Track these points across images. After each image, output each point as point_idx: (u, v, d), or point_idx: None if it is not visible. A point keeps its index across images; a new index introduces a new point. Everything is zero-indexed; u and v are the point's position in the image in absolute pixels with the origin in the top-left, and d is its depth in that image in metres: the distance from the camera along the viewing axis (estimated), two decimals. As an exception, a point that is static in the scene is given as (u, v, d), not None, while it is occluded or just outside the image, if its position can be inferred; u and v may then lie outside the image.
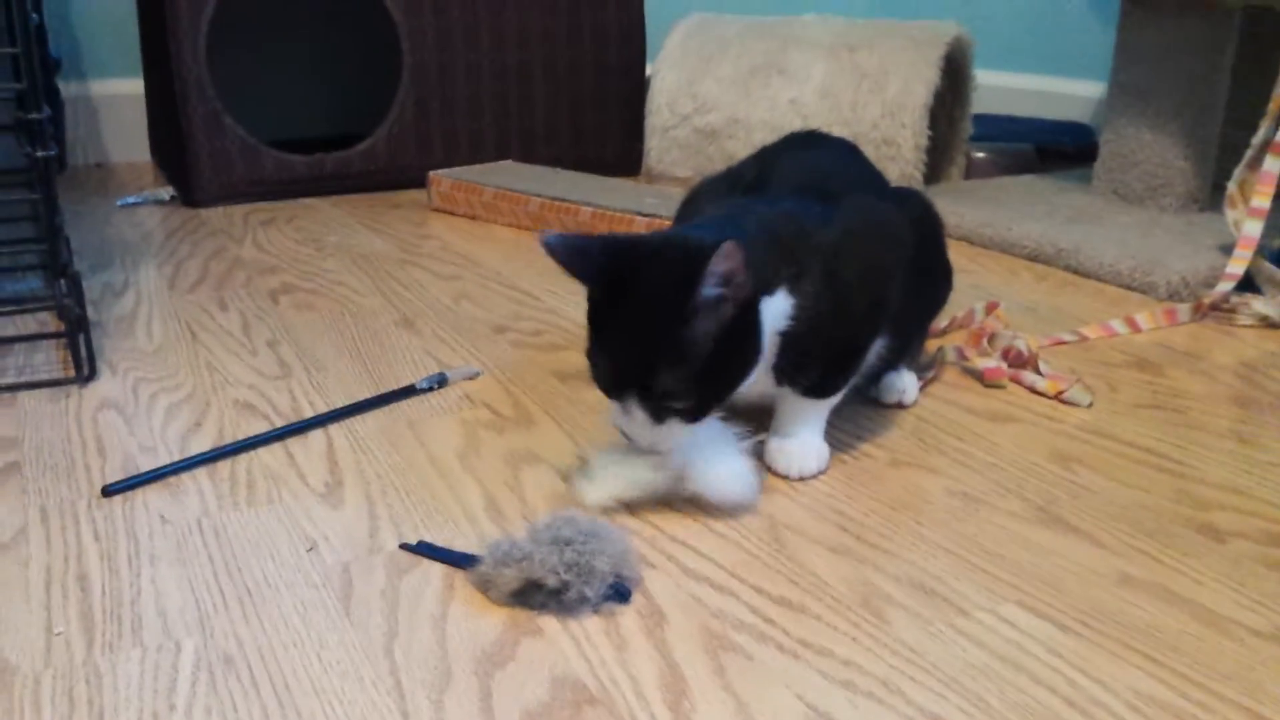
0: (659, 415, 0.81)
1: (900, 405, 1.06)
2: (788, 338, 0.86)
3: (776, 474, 0.92)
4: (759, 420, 0.91)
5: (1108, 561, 0.80)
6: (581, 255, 0.82)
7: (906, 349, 1.07)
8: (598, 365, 0.83)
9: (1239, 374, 1.17)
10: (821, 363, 0.89)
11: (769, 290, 0.83)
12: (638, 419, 0.82)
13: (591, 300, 0.83)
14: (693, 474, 0.84)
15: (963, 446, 0.98)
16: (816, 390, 0.92)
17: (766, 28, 1.97)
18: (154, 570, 0.77)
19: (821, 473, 0.93)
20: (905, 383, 1.06)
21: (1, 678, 0.65)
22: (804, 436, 0.93)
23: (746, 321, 0.81)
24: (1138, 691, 0.65)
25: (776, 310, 0.84)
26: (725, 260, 0.76)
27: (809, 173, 0.98)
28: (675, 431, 0.82)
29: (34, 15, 1.01)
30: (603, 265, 0.81)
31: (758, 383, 0.88)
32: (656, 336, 0.79)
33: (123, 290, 1.40)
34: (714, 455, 0.84)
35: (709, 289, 0.77)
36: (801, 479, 0.92)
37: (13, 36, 1.02)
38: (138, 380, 1.10)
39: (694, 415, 0.81)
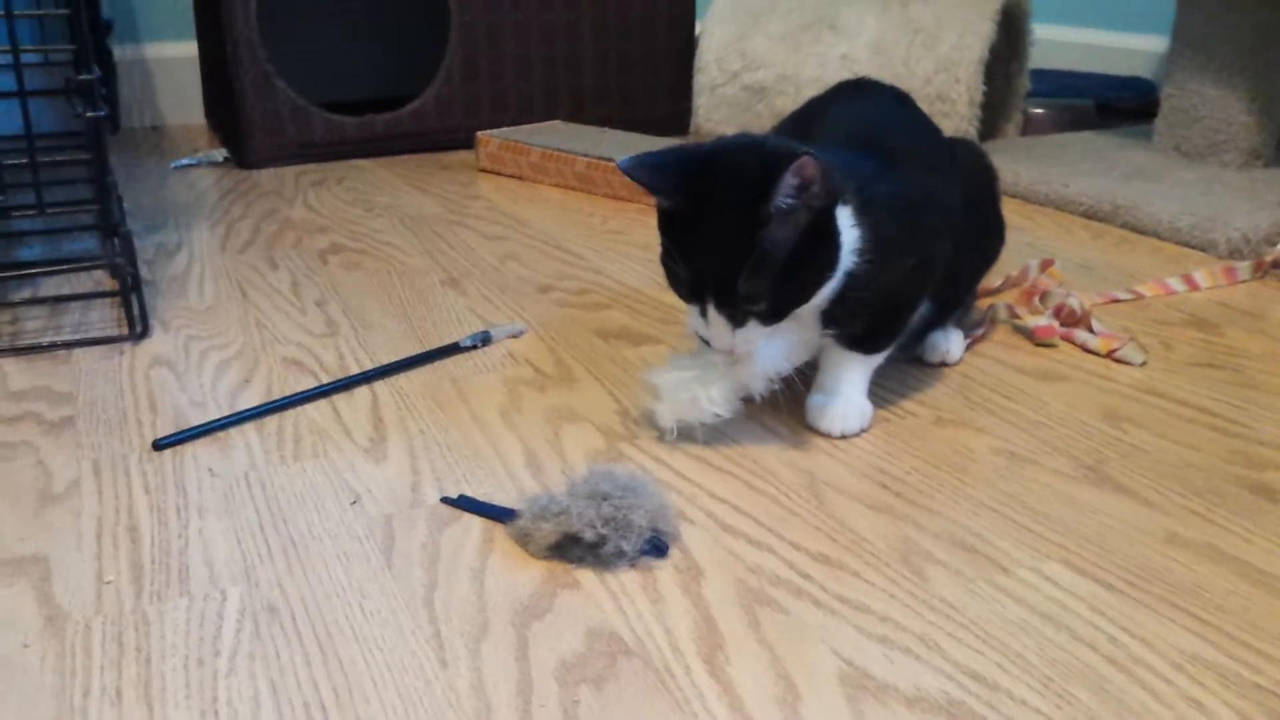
0: (738, 319, 0.83)
1: (944, 364, 1.05)
2: (844, 277, 0.85)
3: (818, 432, 0.91)
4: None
5: (1155, 520, 0.78)
6: (659, 171, 0.84)
7: (955, 307, 1.06)
8: (676, 272, 0.85)
9: (1300, 333, 1.14)
10: (868, 315, 0.89)
11: (843, 202, 0.83)
12: (716, 323, 0.83)
13: (668, 211, 0.84)
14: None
15: (1010, 405, 0.97)
16: (862, 344, 0.91)
17: (817, -17, 1.94)
18: (202, 522, 0.78)
19: (864, 431, 0.92)
20: (950, 341, 1.05)
21: (54, 623, 0.67)
22: (847, 394, 0.92)
23: (824, 228, 0.82)
24: (1182, 650, 0.64)
25: (847, 233, 0.84)
26: (800, 173, 0.78)
27: (859, 124, 0.97)
28: (753, 335, 0.83)
29: (83, -23, 1.02)
30: (681, 177, 0.83)
31: (807, 333, 0.88)
32: (735, 241, 0.80)
33: (176, 250, 1.42)
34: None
35: (783, 198, 0.79)
36: (843, 437, 0.91)
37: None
38: (189, 338, 1.12)
39: (772, 317, 0.83)
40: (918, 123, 1.01)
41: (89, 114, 1.04)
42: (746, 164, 0.82)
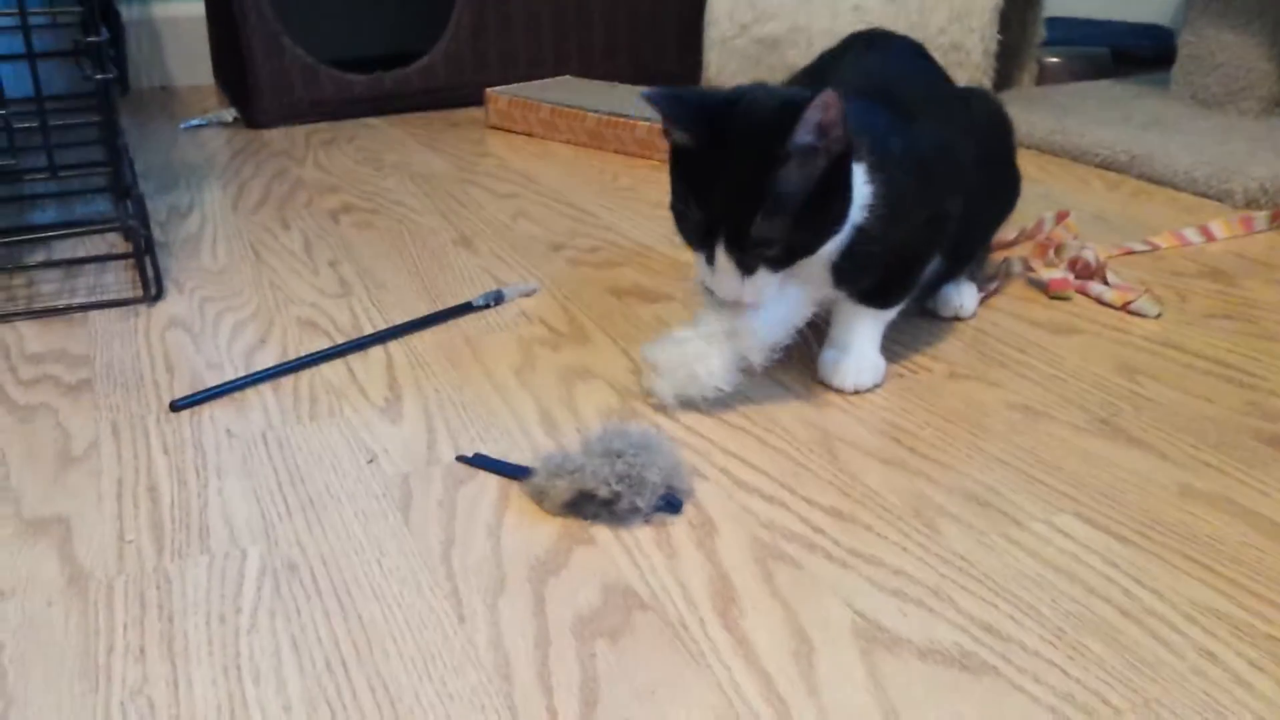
0: (748, 265, 0.82)
1: (958, 318, 1.04)
2: (853, 231, 0.84)
3: (830, 387, 0.91)
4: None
5: (1169, 473, 0.78)
6: (680, 102, 0.83)
7: (968, 260, 1.05)
8: (687, 215, 0.84)
9: (1317, 283, 1.13)
10: (878, 270, 0.88)
11: (857, 157, 0.83)
12: (725, 270, 0.82)
13: (681, 150, 0.84)
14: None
15: (1024, 359, 0.97)
16: (874, 299, 0.91)
17: (829, -68, 1.91)
18: (220, 482, 0.79)
19: (877, 387, 0.92)
20: (964, 295, 1.05)
21: (77, 583, 0.68)
22: (860, 349, 0.92)
23: (839, 176, 0.81)
24: (1194, 601, 0.64)
25: (859, 188, 0.83)
26: (822, 110, 0.77)
27: (873, 77, 0.96)
28: (761, 283, 0.83)
29: (89, -63, 1.01)
30: (702, 111, 0.82)
31: (816, 290, 0.88)
32: (751, 182, 0.80)
33: (188, 211, 1.42)
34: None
35: (804, 136, 0.78)
36: (856, 392, 0.91)
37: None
38: (204, 299, 1.13)
39: (781, 263, 0.82)
40: (931, 75, 1.00)
41: (98, 77, 1.04)
42: (768, 104, 0.82)
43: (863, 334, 0.93)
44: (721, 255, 0.82)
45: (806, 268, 0.84)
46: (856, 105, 0.88)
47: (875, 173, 0.84)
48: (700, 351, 0.87)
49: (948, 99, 0.99)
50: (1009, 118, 1.09)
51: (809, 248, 0.82)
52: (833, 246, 0.84)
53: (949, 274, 1.02)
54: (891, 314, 0.93)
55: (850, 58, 0.99)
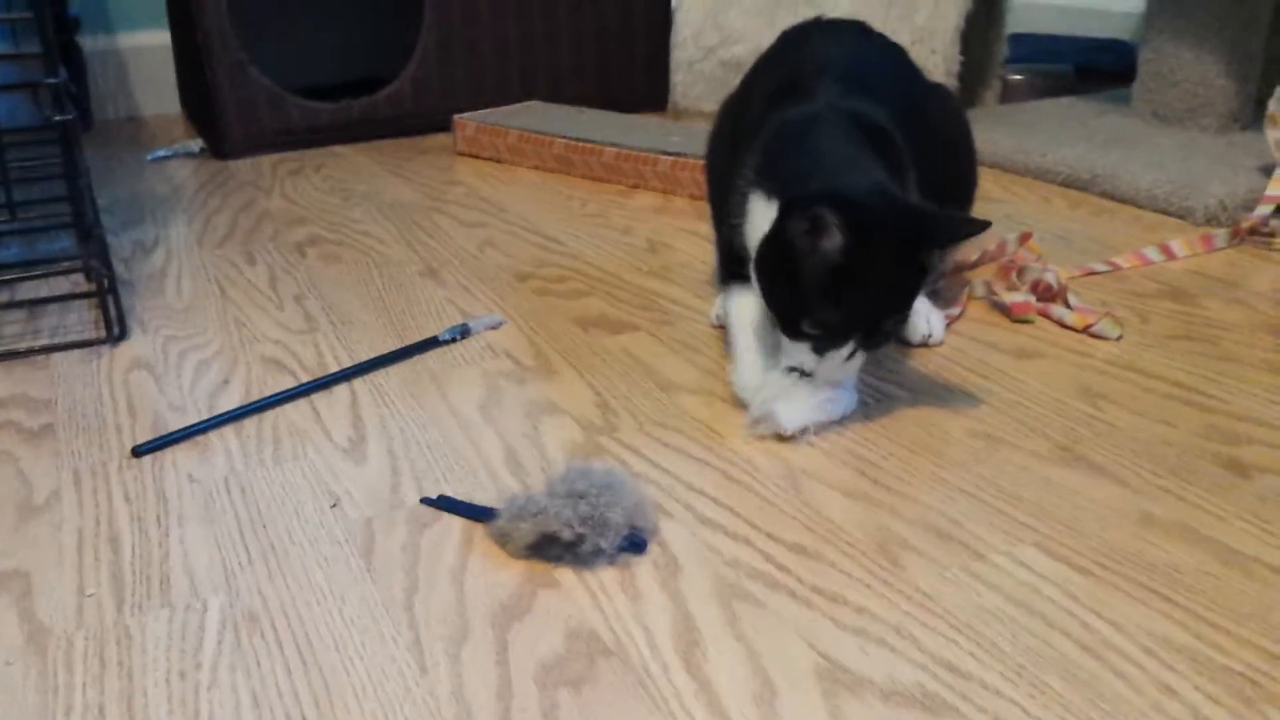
0: (869, 349, 0.88)
1: (926, 345, 1.05)
2: None
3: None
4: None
5: (1129, 500, 0.79)
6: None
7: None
8: (823, 316, 0.85)
9: (1276, 301, 1.15)
10: None
11: None
12: (835, 359, 0.87)
13: (834, 265, 0.83)
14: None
15: (987, 385, 0.97)
16: None
17: (792, -46, 1.93)
18: (182, 530, 0.78)
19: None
20: (932, 322, 1.05)
21: (36, 640, 0.67)
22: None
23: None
24: (1152, 633, 0.65)
25: None
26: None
27: (848, 69, 0.99)
28: (856, 364, 0.89)
29: (45, -23, 1.00)
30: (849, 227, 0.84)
31: None
32: (897, 287, 0.86)
33: (153, 247, 1.41)
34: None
35: (935, 255, 0.86)
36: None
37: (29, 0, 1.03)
38: (168, 338, 1.12)
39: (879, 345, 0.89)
40: (900, 64, 1.07)
41: (57, 118, 1.03)
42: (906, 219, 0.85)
43: None
44: (847, 348, 0.86)
45: None
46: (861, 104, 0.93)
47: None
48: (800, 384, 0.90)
49: (912, 87, 1.05)
50: (965, 116, 1.13)
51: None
52: None
53: None
54: None
55: (821, 52, 1.02)
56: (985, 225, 0.85)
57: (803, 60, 1.02)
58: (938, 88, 1.15)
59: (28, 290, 1.23)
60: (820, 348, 0.87)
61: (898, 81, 1.03)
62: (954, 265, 1.21)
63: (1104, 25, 2.26)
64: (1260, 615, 0.67)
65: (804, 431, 0.89)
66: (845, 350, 0.86)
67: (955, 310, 1.11)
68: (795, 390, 0.90)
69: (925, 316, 1.05)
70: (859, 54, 1.03)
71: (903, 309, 0.87)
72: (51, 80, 1.01)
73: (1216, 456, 0.85)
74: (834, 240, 0.82)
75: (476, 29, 1.96)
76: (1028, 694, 0.60)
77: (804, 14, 1.84)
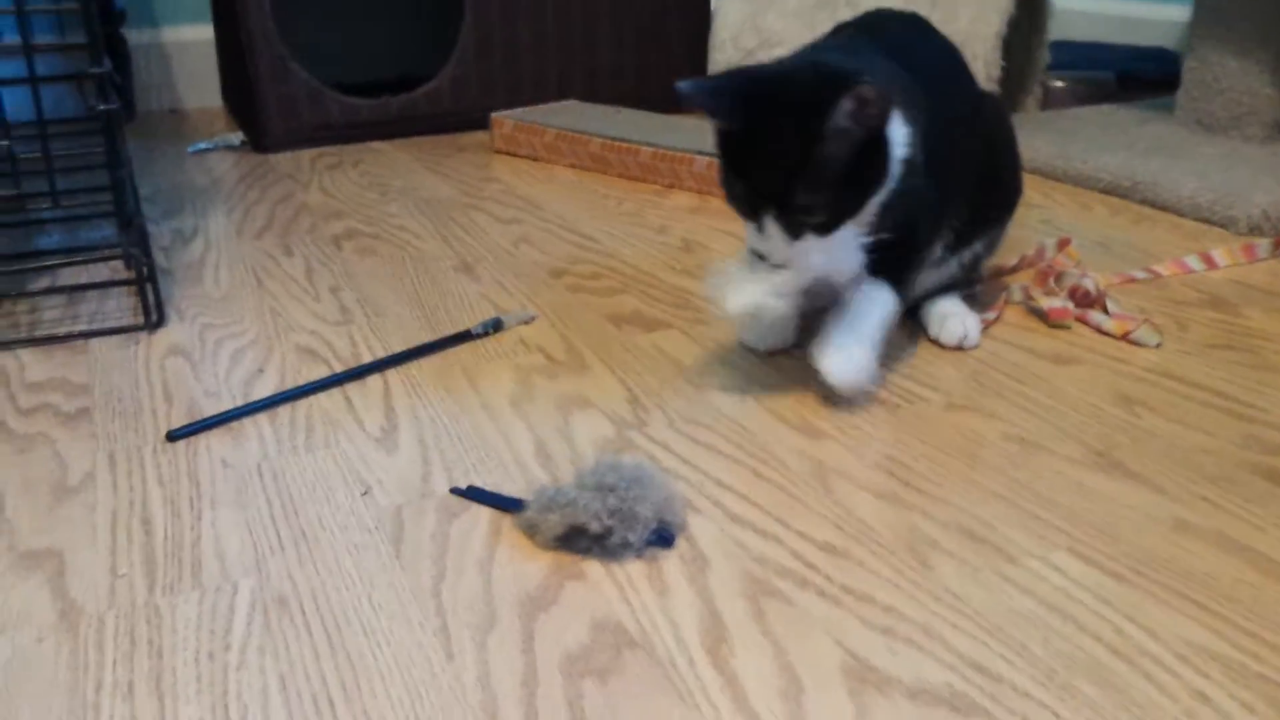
0: (795, 230, 0.87)
1: (961, 348, 1.04)
2: (906, 164, 0.89)
3: (821, 376, 0.91)
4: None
5: (1165, 508, 0.78)
6: (717, 94, 0.88)
7: (967, 268, 1.08)
8: (735, 188, 0.89)
9: (1319, 312, 1.13)
10: (923, 208, 0.93)
11: (892, 114, 0.87)
12: (774, 236, 0.88)
13: (726, 132, 0.88)
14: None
15: (1022, 389, 0.96)
16: (885, 268, 0.94)
17: (833, -43, 1.92)
18: (214, 514, 0.79)
19: (863, 387, 0.92)
20: (968, 325, 1.04)
21: (68, 618, 0.68)
22: (854, 343, 0.92)
23: (877, 143, 0.86)
24: (1187, 640, 0.64)
25: (898, 135, 0.88)
26: (855, 100, 0.82)
27: (888, 45, 0.99)
28: (810, 246, 0.88)
29: (93, -32, 1.02)
30: (740, 99, 0.87)
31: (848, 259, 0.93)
32: (793, 157, 0.85)
33: (192, 237, 1.43)
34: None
35: (840, 120, 0.83)
36: (840, 384, 0.91)
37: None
38: (204, 326, 1.13)
39: (828, 228, 0.88)
40: (952, 64, 1.06)
41: (101, 107, 1.04)
42: (805, 87, 0.86)
43: (864, 325, 0.92)
44: (770, 224, 0.88)
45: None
46: (886, 64, 0.94)
47: (909, 112, 0.89)
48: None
49: (963, 90, 1.05)
50: (1011, 127, 1.13)
51: (852, 210, 0.88)
52: (879, 198, 0.88)
53: (948, 285, 1.06)
54: (891, 309, 0.94)
55: (871, 40, 1.02)
56: (856, 80, 0.82)
57: (843, 34, 1.03)
58: (988, 95, 1.16)
59: (68, 277, 1.25)
60: (758, 225, 0.88)
61: (940, 71, 1.02)
62: (993, 270, 1.20)
63: (1147, 33, 2.23)
64: (1298, 626, 0.65)
65: (756, 311, 0.94)
66: (775, 226, 0.87)
67: (991, 314, 1.10)
68: (747, 275, 0.92)
69: (961, 319, 1.04)
70: (904, 38, 1.03)
71: (812, 182, 0.85)
72: (96, 70, 1.02)
73: (1255, 466, 0.83)
74: (721, 108, 0.87)
75: (515, 28, 1.96)
76: (1058, 697, 0.60)
77: (843, 17, 1.84)
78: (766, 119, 0.85)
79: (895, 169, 0.88)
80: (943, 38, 1.06)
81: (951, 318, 1.04)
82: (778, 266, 0.90)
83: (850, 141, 0.84)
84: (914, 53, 0.99)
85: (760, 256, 0.91)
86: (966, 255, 1.07)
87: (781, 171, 0.85)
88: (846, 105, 0.82)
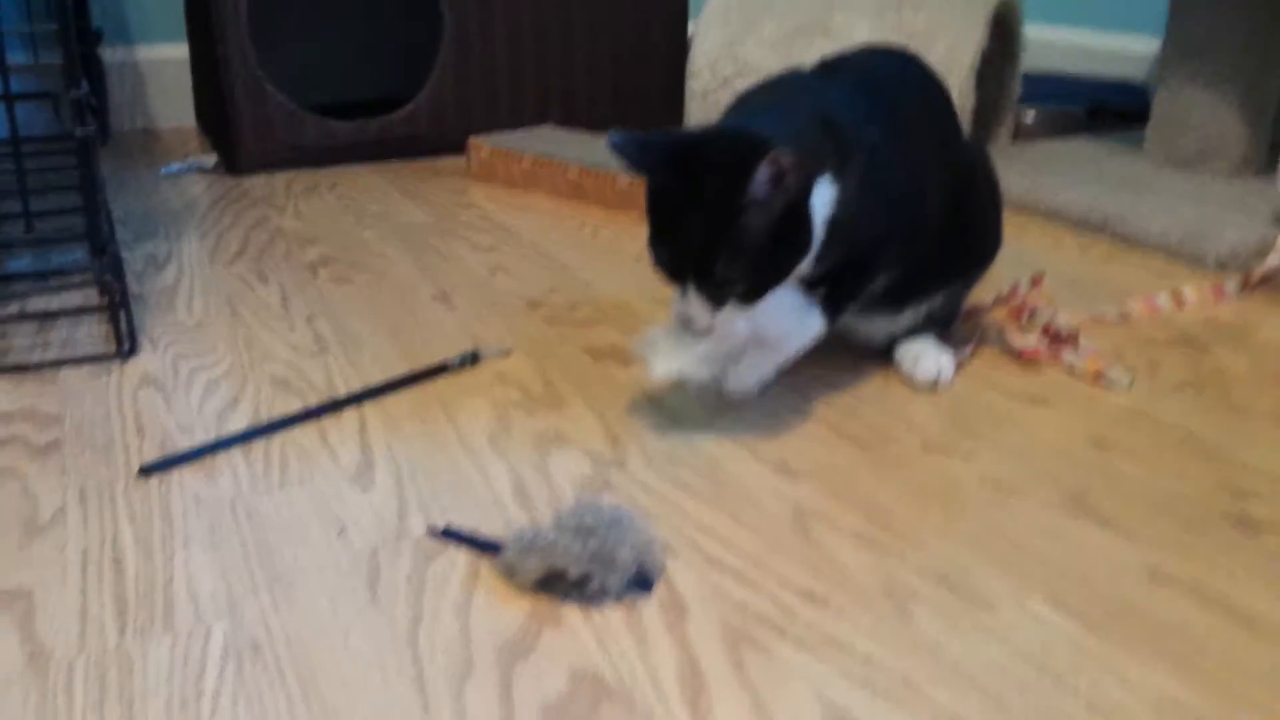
0: (717, 300, 0.88)
1: (934, 386, 1.05)
2: (830, 224, 0.89)
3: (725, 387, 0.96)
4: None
5: (1138, 555, 0.78)
6: (644, 150, 0.88)
7: (937, 309, 1.08)
8: (659, 253, 0.89)
9: (1287, 353, 1.14)
10: (839, 266, 0.93)
11: (817, 178, 0.88)
12: (696, 304, 0.88)
13: (653, 191, 0.89)
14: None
15: (997, 431, 0.97)
16: (823, 299, 0.95)
17: (810, -12, 1.93)
18: (187, 553, 0.78)
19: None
20: (941, 363, 1.05)
21: (36, 662, 0.67)
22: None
23: (798, 213, 0.86)
24: (1162, 695, 0.64)
25: (823, 197, 0.89)
26: (772, 165, 0.82)
27: (860, 80, 1.00)
28: (733, 315, 0.89)
29: (71, -6, 1.01)
30: (665, 158, 0.87)
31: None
32: (712, 228, 0.85)
33: (165, 262, 1.41)
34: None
35: (758, 189, 0.83)
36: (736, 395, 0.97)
37: (50, 11, 1.03)
38: (177, 356, 1.12)
39: (750, 298, 0.88)
40: (933, 105, 1.06)
41: (78, 132, 1.03)
42: (726, 152, 0.86)
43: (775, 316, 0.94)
44: (692, 291, 0.88)
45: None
46: (840, 94, 0.95)
47: (841, 175, 0.89)
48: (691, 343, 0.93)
49: (941, 134, 1.05)
50: (996, 180, 1.13)
51: (775, 281, 0.88)
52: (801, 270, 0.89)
53: (921, 325, 1.07)
54: (820, 330, 0.96)
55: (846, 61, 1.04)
56: (766, 146, 0.82)
57: (818, 73, 1.03)
58: (974, 145, 1.17)
59: (39, 303, 1.23)
60: (682, 292, 0.89)
61: (916, 108, 1.02)
62: (969, 307, 1.21)
63: (1116, 65, 2.26)
64: (1269, 677, 0.66)
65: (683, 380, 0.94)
66: (697, 295, 0.87)
67: (966, 351, 1.11)
68: (672, 340, 0.92)
69: (935, 358, 1.05)
70: (881, 78, 1.03)
71: (732, 253, 0.85)
72: (74, 93, 1.01)
73: (1226, 513, 0.84)
74: (645, 164, 0.87)
75: (493, 54, 1.96)
76: (1035, 752, 0.60)
77: (821, 46, 1.85)
78: (688, 184, 0.85)
79: (819, 233, 0.88)
80: (930, 79, 1.06)
81: (925, 357, 1.05)
82: (702, 334, 0.91)
83: (769, 212, 0.84)
84: (887, 94, 0.99)
85: (685, 320, 0.91)
86: (935, 301, 1.08)
87: (701, 241, 0.85)
88: (763, 174, 0.82)
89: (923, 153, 1.00)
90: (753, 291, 0.87)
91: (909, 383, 1.06)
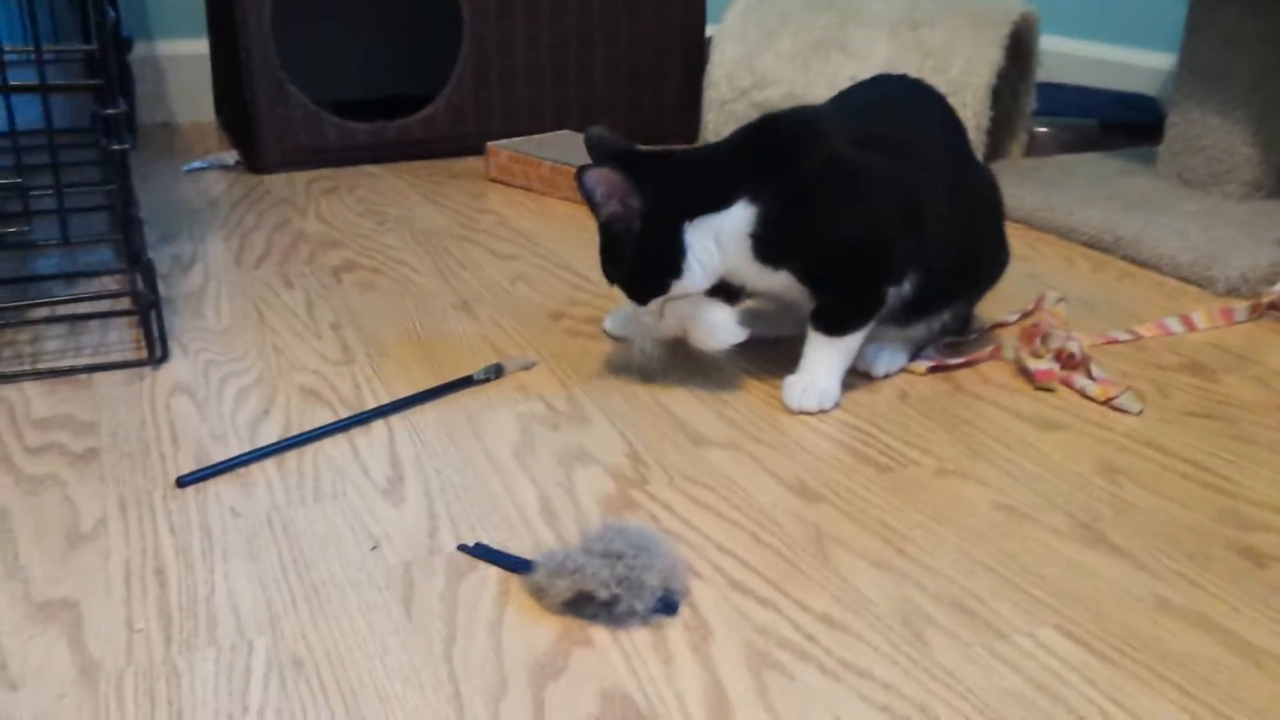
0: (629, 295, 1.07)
1: (869, 375, 1.13)
2: (759, 239, 1.01)
3: (787, 407, 1.06)
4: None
5: (1147, 585, 0.81)
6: (599, 152, 1.07)
7: (947, 324, 1.16)
8: (608, 275, 1.09)
9: (1294, 381, 1.17)
10: (829, 295, 1.04)
11: (706, 211, 1.01)
12: (645, 317, 1.08)
13: None
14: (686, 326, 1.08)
15: (1010, 456, 0.99)
16: (827, 325, 1.05)
17: (828, 2, 1.95)
18: (226, 565, 0.81)
19: (824, 411, 1.06)
20: (884, 357, 1.13)
21: (87, 674, 0.69)
22: (815, 374, 1.06)
23: (666, 236, 1.01)
24: (1169, 726, 0.67)
25: (735, 221, 1.01)
26: (593, 184, 0.99)
27: (876, 109, 1.14)
28: (648, 311, 1.06)
29: (110, 10, 1.03)
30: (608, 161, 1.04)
31: (789, 301, 1.08)
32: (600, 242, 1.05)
33: (190, 264, 1.44)
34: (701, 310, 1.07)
35: (606, 206, 1.01)
36: (802, 412, 1.05)
37: (86, 20, 1.05)
38: (208, 362, 1.14)
39: (639, 300, 1.05)
40: (935, 127, 1.14)
41: (114, 147, 1.06)
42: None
43: (821, 360, 1.06)
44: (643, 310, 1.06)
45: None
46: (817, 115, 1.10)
47: (760, 194, 1.01)
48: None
49: (946, 158, 1.12)
50: (1002, 204, 1.19)
51: (656, 289, 1.03)
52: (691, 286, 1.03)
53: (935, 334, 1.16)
54: (849, 344, 1.06)
55: (867, 92, 1.17)
56: (588, 167, 0.99)
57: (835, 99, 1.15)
58: (982, 168, 1.23)
59: (69, 305, 1.26)
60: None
61: (910, 126, 1.11)
62: (993, 323, 1.25)
63: (1129, 79, 2.28)
64: (1271, 709, 0.69)
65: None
66: (646, 310, 1.05)
67: (955, 360, 1.15)
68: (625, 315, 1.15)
69: (890, 355, 1.14)
70: (887, 105, 1.14)
71: (610, 254, 1.05)
72: (112, 111, 1.03)
73: (1232, 543, 0.87)
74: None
75: (513, 59, 1.99)
76: (1047, 782, 0.63)
77: (838, 61, 1.87)
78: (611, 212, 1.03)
79: (709, 257, 1.01)
80: (939, 108, 1.12)
81: (884, 352, 1.14)
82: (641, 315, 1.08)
83: (627, 226, 1.01)
84: (891, 121, 1.10)
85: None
86: (935, 323, 1.15)
87: (643, 259, 1.03)
88: (588, 181, 0.98)
89: (918, 166, 1.07)
90: (636, 294, 1.05)
91: (922, 406, 1.08)
